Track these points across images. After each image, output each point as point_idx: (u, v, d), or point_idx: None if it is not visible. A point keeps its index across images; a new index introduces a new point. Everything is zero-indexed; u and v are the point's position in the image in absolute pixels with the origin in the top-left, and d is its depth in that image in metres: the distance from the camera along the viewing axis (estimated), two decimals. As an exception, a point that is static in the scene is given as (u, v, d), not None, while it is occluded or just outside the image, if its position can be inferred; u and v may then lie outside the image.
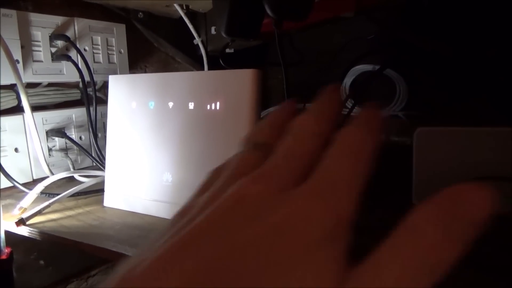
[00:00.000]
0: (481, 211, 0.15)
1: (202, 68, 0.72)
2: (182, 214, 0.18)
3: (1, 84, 0.49)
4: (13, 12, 0.50)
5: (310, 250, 0.14)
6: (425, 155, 0.41)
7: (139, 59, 0.76)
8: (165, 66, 0.79)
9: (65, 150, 0.59)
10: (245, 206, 0.16)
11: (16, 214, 0.42)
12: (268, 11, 0.28)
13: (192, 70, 0.77)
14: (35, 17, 0.53)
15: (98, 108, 0.58)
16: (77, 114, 0.60)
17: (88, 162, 0.62)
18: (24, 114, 0.52)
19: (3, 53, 0.47)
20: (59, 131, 0.57)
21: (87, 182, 0.49)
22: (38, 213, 0.42)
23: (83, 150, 0.58)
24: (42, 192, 0.47)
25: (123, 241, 0.36)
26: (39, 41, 0.54)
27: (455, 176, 0.39)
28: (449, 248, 0.14)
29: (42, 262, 0.60)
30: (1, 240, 0.40)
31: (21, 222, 0.40)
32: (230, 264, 0.14)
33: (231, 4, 0.31)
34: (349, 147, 0.18)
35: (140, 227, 0.39)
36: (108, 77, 0.46)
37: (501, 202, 0.34)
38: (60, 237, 0.38)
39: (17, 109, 0.54)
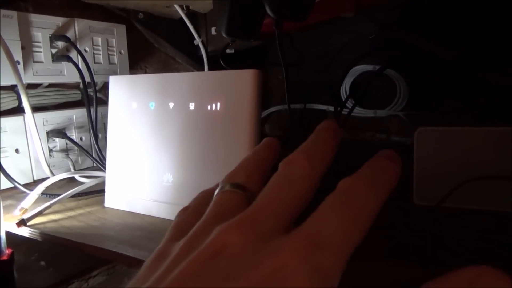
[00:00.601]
0: None
1: (202, 69, 0.72)
2: (158, 260, 0.17)
3: (2, 85, 0.49)
4: (14, 13, 0.50)
5: None
6: (425, 155, 0.41)
7: (139, 60, 0.76)
8: (165, 66, 0.79)
9: (65, 150, 0.59)
10: (224, 259, 0.14)
11: (17, 215, 0.42)
12: (269, 12, 0.28)
13: (192, 71, 0.77)
14: (36, 18, 0.54)
15: (98, 108, 0.58)
16: (77, 115, 0.60)
17: (88, 162, 0.62)
18: (25, 115, 0.52)
19: (3, 54, 0.47)
20: (59, 132, 0.57)
21: (87, 182, 0.49)
22: (39, 214, 0.42)
23: (84, 150, 0.58)
24: (43, 193, 0.47)
25: (124, 242, 0.36)
26: (40, 42, 0.54)
27: (455, 175, 0.39)
28: None
29: (43, 263, 0.60)
30: (2, 241, 0.39)
31: (22, 223, 0.40)
32: None
33: (231, 5, 0.31)
34: (348, 201, 0.16)
35: (141, 227, 0.39)
36: (108, 78, 0.46)
37: (501, 201, 0.34)
38: (61, 238, 0.38)
39: (18, 110, 0.54)
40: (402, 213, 0.39)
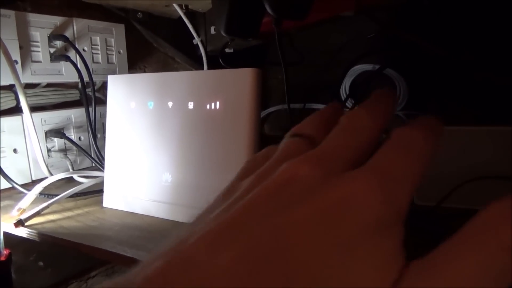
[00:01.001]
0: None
1: (201, 68, 0.72)
2: (227, 193, 0.17)
3: (0, 84, 0.49)
4: (11, 13, 0.50)
5: (365, 238, 0.13)
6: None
7: (138, 60, 0.76)
8: (164, 66, 0.79)
9: (64, 150, 0.58)
10: (295, 187, 0.15)
11: (15, 215, 0.42)
12: (268, 10, 0.28)
13: (191, 70, 0.77)
14: (34, 18, 0.53)
15: (97, 108, 0.58)
16: (76, 114, 0.60)
17: (87, 162, 0.62)
18: (23, 114, 0.52)
19: (1, 53, 0.47)
20: (58, 132, 0.57)
21: (86, 182, 0.49)
22: (37, 214, 0.42)
23: (82, 150, 0.58)
24: (41, 193, 0.47)
25: (122, 242, 0.36)
26: (38, 42, 0.54)
27: (456, 175, 0.39)
28: None
29: (41, 263, 0.60)
30: (0, 241, 0.39)
31: (19, 223, 0.40)
32: (277, 248, 0.13)
33: (231, 3, 0.31)
34: (408, 143, 0.17)
35: (139, 227, 0.39)
36: (107, 78, 0.46)
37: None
38: (59, 239, 0.38)
39: (16, 110, 0.53)
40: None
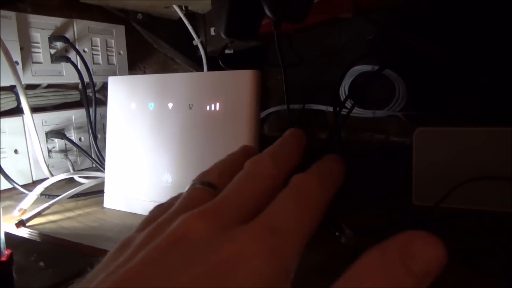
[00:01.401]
0: (433, 265, 0.14)
1: (201, 69, 0.72)
2: (122, 248, 0.17)
3: (1, 85, 0.49)
4: (12, 14, 0.50)
5: None
6: (424, 155, 0.41)
7: (138, 60, 0.76)
8: (164, 67, 0.79)
9: (64, 151, 0.59)
10: (185, 245, 0.15)
11: (16, 215, 0.42)
12: (267, 12, 0.28)
13: (191, 71, 0.77)
14: (34, 19, 0.54)
15: (97, 109, 0.58)
16: (76, 115, 0.60)
17: (87, 163, 0.62)
18: (24, 115, 0.52)
19: (2, 55, 0.47)
20: (58, 133, 0.57)
21: (86, 183, 0.49)
22: (38, 214, 0.42)
23: (83, 151, 0.58)
24: (41, 194, 0.47)
25: (123, 242, 0.36)
26: (38, 43, 0.54)
27: (454, 176, 0.39)
28: None
29: (42, 264, 0.60)
30: (1, 242, 0.39)
31: (21, 223, 0.40)
32: None
33: (230, 5, 0.31)
34: (303, 193, 0.17)
35: (140, 228, 0.39)
36: (107, 79, 0.46)
37: (500, 201, 0.34)
38: (59, 239, 0.38)
39: (17, 111, 0.54)
40: (401, 214, 0.39)
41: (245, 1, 0.31)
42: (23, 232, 0.40)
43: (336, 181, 0.19)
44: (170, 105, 0.41)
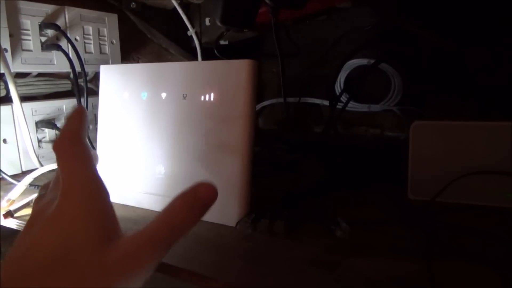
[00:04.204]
0: (209, 198, 0.23)
1: (196, 60, 0.71)
2: None
3: (-11, 73, 0.48)
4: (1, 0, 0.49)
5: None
6: (421, 149, 0.41)
7: (131, 50, 0.75)
8: (158, 57, 0.78)
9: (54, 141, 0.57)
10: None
11: (4, 206, 0.41)
12: (266, -1, 0.27)
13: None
14: (24, 5, 0.52)
15: (89, 99, 0.57)
16: (67, 105, 0.59)
17: (79, 154, 0.61)
18: (13, 104, 0.51)
19: (-10, 41, 0.46)
20: (49, 122, 0.56)
21: (77, 174, 0.48)
22: (27, 205, 0.41)
23: (74, 142, 0.57)
24: (31, 184, 0.46)
25: (114, 234, 0.35)
26: (29, 30, 0.53)
27: (450, 170, 0.39)
28: (190, 218, 0.22)
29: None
30: (-12, 232, 0.39)
31: (8, 214, 0.39)
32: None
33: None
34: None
35: (132, 220, 0.39)
36: (99, 68, 0.45)
37: (496, 196, 0.34)
38: (49, 230, 0.37)
39: (5, 99, 0.52)
40: (397, 208, 0.39)
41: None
42: (11, 223, 0.39)
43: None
44: (164, 94, 0.40)
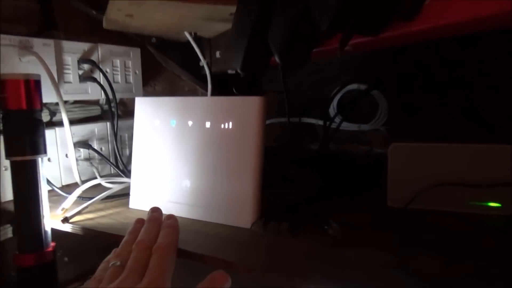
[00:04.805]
0: (224, 283, 0.34)
1: (205, 86, 0.80)
2: None
3: (44, 102, 0.57)
4: (51, 42, 0.58)
5: None
6: (397, 166, 0.50)
7: (149, 78, 0.84)
8: (171, 84, 0.87)
9: (88, 159, 0.67)
10: None
11: (59, 214, 0.50)
12: (277, 59, 0.36)
13: (196, 88, 0.86)
14: (67, 44, 0.62)
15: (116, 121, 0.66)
16: (99, 128, 0.68)
17: (107, 170, 0.70)
18: (56, 128, 0.60)
19: (48, 76, 0.55)
20: (85, 143, 0.65)
21: (115, 187, 0.57)
22: (79, 213, 0.50)
23: (107, 160, 0.66)
24: (79, 196, 0.54)
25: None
26: (69, 65, 0.62)
27: (422, 182, 0.48)
28: None
29: (66, 259, 0.68)
30: (48, 235, 0.47)
31: (65, 220, 0.48)
32: None
33: (248, 47, 0.39)
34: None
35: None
36: (125, 95, 0.53)
37: (458, 203, 0.44)
38: (100, 232, 0.46)
39: (50, 124, 0.62)
40: (378, 213, 0.48)
41: (261, 43, 0.39)
42: (67, 227, 0.48)
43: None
44: (190, 123, 0.49)
